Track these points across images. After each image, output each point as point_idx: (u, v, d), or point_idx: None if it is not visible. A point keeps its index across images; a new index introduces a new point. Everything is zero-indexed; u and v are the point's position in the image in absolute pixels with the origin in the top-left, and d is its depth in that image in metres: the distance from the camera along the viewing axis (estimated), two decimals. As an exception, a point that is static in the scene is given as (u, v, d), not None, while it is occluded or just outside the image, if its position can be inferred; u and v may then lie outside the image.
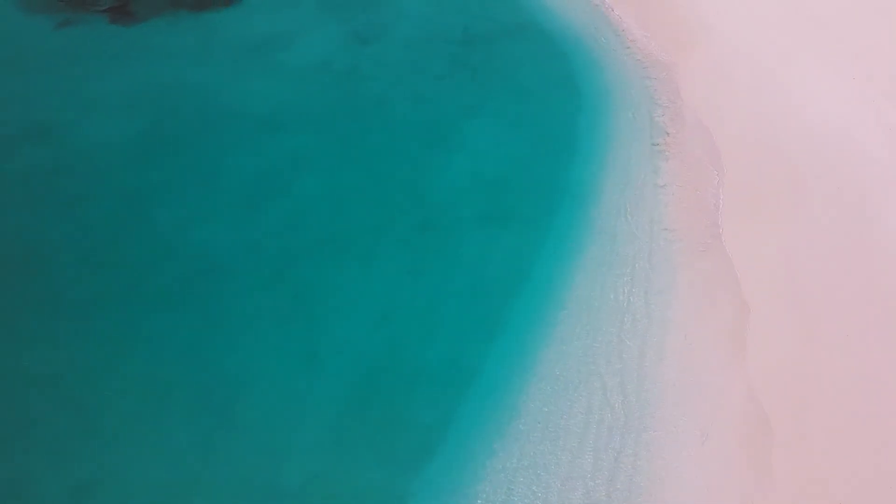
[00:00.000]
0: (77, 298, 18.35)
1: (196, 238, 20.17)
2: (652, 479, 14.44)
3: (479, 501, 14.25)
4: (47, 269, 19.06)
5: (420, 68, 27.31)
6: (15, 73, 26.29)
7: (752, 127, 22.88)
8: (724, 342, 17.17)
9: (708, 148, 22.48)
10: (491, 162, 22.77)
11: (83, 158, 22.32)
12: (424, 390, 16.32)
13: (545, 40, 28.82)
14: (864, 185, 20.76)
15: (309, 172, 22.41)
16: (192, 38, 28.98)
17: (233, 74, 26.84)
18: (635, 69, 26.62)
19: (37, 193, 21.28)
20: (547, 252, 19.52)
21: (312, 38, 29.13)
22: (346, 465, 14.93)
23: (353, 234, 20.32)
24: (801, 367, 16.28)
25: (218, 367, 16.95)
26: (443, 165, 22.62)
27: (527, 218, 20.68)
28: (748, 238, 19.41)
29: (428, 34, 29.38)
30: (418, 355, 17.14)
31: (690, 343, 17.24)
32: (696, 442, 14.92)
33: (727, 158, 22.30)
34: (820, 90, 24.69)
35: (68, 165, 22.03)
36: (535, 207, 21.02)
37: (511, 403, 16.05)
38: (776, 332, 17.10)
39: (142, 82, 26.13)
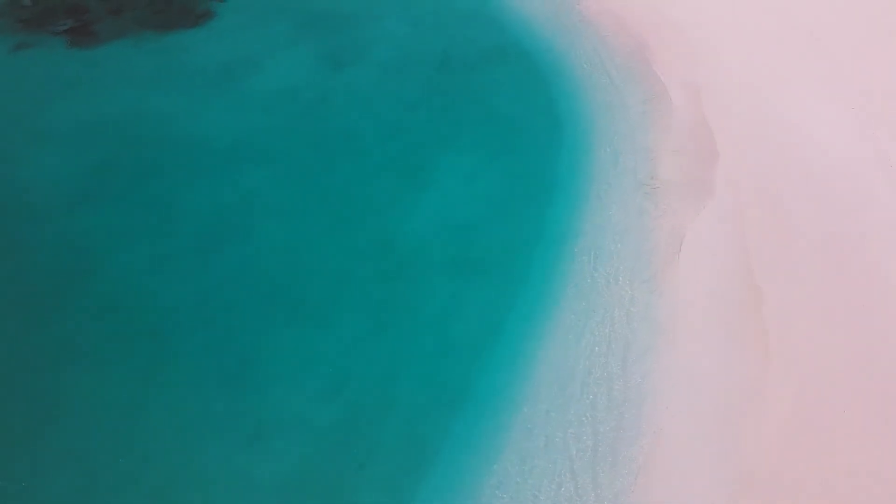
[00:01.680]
0: (5, 356, 16.87)
1: (141, 289, 18.67)
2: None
3: None
4: (-25, 325, 17.63)
5: (394, 96, 25.81)
6: (-38, 101, 24.88)
7: (745, 166, 21.28)
8: (710, 419, 15.64)
9: (698, 188, 20.90)
10: (463, 201, 21.25)
11: (23, 198, 20.82)
12: (377, 473, 14.80)
13: (527, 64, 27.31)
14: (863, 230, 19.20)
15: (267, 213, 20.91)
16: (156, 62, 27.49)
17: (195, 102, 25.32)
18: (621, 97, 25.05)
19: (-29, 238, 19.86)
20: (518, 308, 18.00)
21: (283, 61, 27.63)
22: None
23: (310, 286, 18.82)
24: (795, 437, 14.83)
25: (151, 444, 15.43)
26: (412, 206, 21.11)
27: (499, 267, 19.16)
28: (746, 297, 17.85)
29: (404, 57, 27.88)
30: (372, 432, 15.63)
31: (671, 415, 15.72)
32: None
33: (718, 198, 20.75)
34: (817, 122, 23.14)
35: (2, 205, 20.53)
36: (508, 255, 19.49)
37: (473, 487, 14.54)
38: (764, 404, 15.56)
39: (98, 111, 24.64)
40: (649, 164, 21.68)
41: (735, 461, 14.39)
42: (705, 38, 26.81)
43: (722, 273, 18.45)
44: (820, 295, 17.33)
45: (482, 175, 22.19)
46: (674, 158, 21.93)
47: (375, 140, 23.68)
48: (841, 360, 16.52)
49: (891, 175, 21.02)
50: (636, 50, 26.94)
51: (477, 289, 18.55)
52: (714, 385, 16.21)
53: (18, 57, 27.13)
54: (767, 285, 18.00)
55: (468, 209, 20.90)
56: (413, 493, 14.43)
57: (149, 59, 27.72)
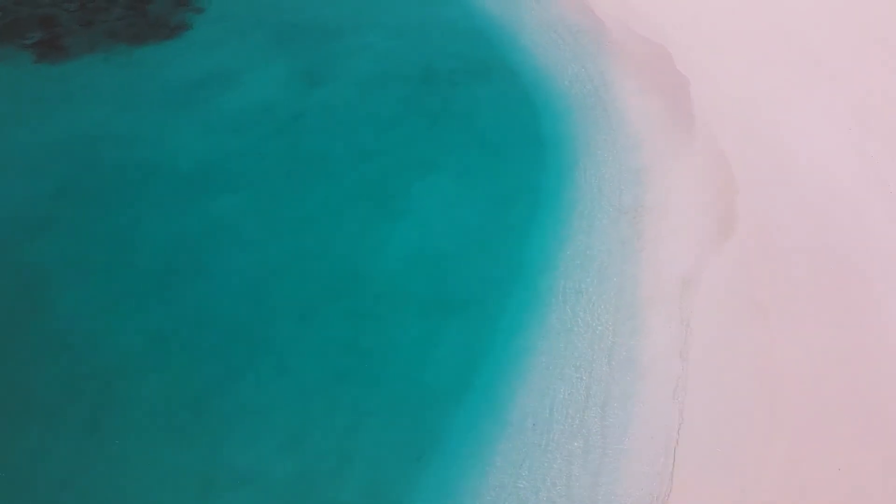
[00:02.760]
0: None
1: (93, 330, 17.58)
2: None
3: None
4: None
5: (372, 114, 24.66)
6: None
7: (738, 197, 20.09)
8: (701, 472, 14.48)
9: (684, 222, 19.72)
10: (439, 232, 20.10)
11: (-27, 230, 19.78)
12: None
13: (512, 80, 26.13)
14: (863, 267, 18.00)
15: (231, 245, 19.78)
16: (125, 78, 26.38)
17: (162, 122, 24.20)
18: (609, 117, 23.85)
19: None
20: (493, 352, 16.87)
21: (257, 77, 26.48)
22: None
23: (273, 325, 17.70)
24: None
25: (92, 498, 14.35)
26: (385, 236, 19.97)
27: (473, 305, 18.02)
28: (722, 338, 16.68)
29: (385, 73, 26.72)
30: (332, 488, 14.52)
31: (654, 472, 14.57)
32: None
33: (706, 228, 19.57)
34: (815, 143, 21.93)
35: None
36: (484, 292, 18.36)
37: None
38: (751, 450, 14.40)
39: (59, 132, 23.55)
40: (635, 191, 20.48)
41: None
42: (699, 60, 25.56)
43: (710, 311, 17.26)
44: (818, 343, 16.13)
45: (460, 202, 21.05)
46: (660, 182, 20.73)
47: (350, 163, 22.54)
48: (840, 405, 15.41)
49: (892, 203, 19.83)
50: (629, 70, 25.70)
51: (449, 329, 17.42)
52: (703, 436, 15.06)
53: (-19, 73, 26.05)
54: (757, 325, 16.85)
55: (444, 240, 19.76)
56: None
57: (118, 74, 26.61)
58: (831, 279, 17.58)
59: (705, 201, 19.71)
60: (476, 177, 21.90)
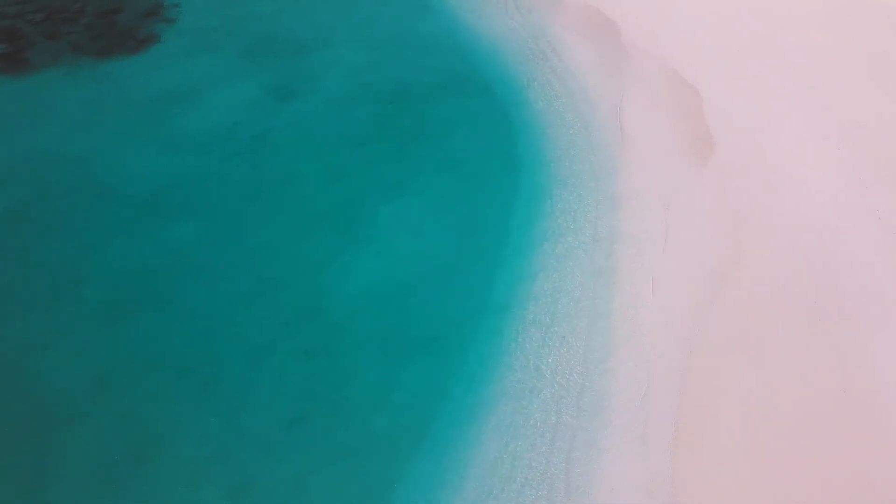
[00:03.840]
0: None
1: (32, 367, 16.58)
2: None
3: None
4: None
5: (341, 133, 23.66)
6: None
7: (722, 222, 19.07)
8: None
9: (662, 245, 18.71)
10: (404, 260, 19.10)
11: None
12: None
13: (488, 96, 25.11)
14: (850, 302, 16.97)
15: (186, 275, 18.80)
16: (87, 94, 25.41)
17: (122, 142, 23.22)
18: (588, 136, 22.83)
19: None
20: (454, 394, 15.87)
21: (225, 93, 25.48)
22: None
23: (224, 364, 16.72)
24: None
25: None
26: (347, 265, 18.97)
27: (436, 343, 17.02)
28: (707, 379, 15.67)
29: (356, 88, 25.72)
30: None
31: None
32: None
33: (683, 258, 18.56)
34: (803, 167, 20.89)
35: None
36: (448, 327, 17.36)
37: None
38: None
39: (13, 151, 22.62)
40: (611, 218, 19.45)
41: None
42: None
43: (685, 350, 16.25)
44: (801, 388, 15.11)
45: (428, 228, 20.04)
46: (638, 209, 19.72)
47: (315, 186, 21.55)
48: (825, 448, 14.44)
49: (879, 230, 18.79)
50: (611, 85, 24.69)
51: (410, 369, 16.42)
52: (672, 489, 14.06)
53: (-63, 89, 25.09)
54: (735, 365, 15.84)
55: (408, 271, 18.75)
56: None
57: (80, 90, 25.63)
58: (816, 317, 16.55)
59: (685, 233, 18.64)
60: (446, 200, 20.90)
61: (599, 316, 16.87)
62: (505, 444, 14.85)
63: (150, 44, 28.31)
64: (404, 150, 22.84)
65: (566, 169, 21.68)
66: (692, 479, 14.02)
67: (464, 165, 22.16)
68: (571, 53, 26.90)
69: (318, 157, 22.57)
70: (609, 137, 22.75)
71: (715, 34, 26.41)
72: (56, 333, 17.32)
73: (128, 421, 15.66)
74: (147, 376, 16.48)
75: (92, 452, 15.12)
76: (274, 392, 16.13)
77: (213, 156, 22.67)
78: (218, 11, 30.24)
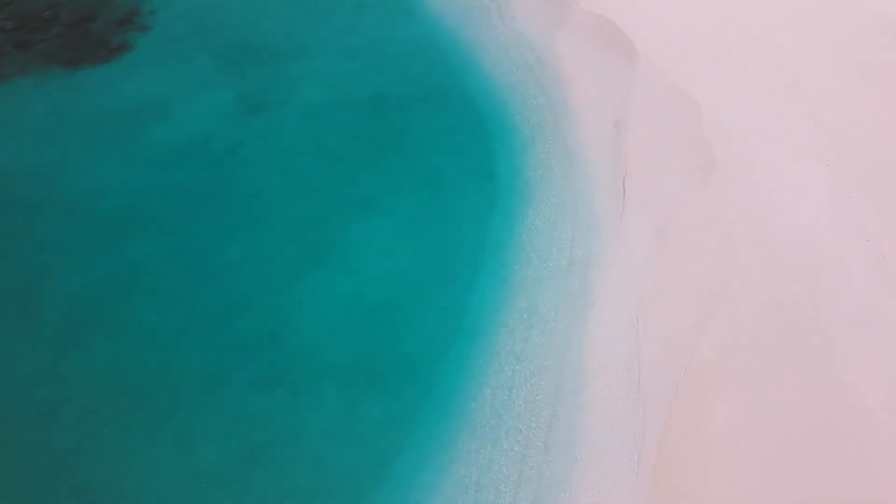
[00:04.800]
0: None
1: (-21, 397, 15.82)
2: None
3: None
4: None
5: (314, 146, 22.90)
6: None
7: (711, 245, 18.30)
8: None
9: (640, 266, 17.94)
10: (373, 283, 18.33)
11: None
12: None
13: (469, 108, 24.34)
14: (837, 330, 16.20)
15: (144, 297, 18.05)
16: (54, 105, 24.64)
17: (88, 155, 22.47)
18: (569, 152, 22.07)
19: None
20: (418, 428, 15.10)
21: (196, 103, 24.72)
22: None
23: (179, 394, 15.96)
24: None
25: None
26: (312, 288, 18.22)
27: (402, 372, 16.26)
28: (688, 410, 14.91)
29: (333, 99, 24.96)
30: None
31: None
32: None
33: (662, 280, 17.81)
34: (793, 186, 20.11)
35: None
36: (416, 355, 16.59)
37: None
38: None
39: (-26, 167, 21.80)
40: (591, 239, 18.68)
41: None
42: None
43: (665, 381, 15.49)
44: (779, 419, 14.35)
45: (400, 248, 19.27)
46: (621, 230, 18.96)
47: (285, 202, 20.79)
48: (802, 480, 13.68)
49: (867, 252, 18.03)
50: (593, 98, 23.93)
51: (373, 402, 15.65)
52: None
53: None
54: (718, 395, 15.08)
55: (377, 293, 17.99)
56: None
57: (48, 101, 24.87)
58: (801, 346, 15.79)
59: (671, 259, 17.87)
60: (420, 219, 20.13)
61: (574, 344, 16.08)
62: (471, 484, 14.07)
63: (122, 52, 27.56)
64: (379, 165, 22.08)
65: (545, 186, 20.90)
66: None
67: (440, 181, 21.40)
68: (556, 62, 26.13)
69: (289, 171, 21.81)
70: (594, 153, 21.97)
71: (708, 43, 25.63)
72: (4, 359, 16.56)
73: (78, 456, 14.90)
74: (100, 406, 15.71)
75: (38, 489, 14.35)
76: (231, 424, 15.38)
77: (180, 170, 21.92)
78: (193, 18, 29.50)
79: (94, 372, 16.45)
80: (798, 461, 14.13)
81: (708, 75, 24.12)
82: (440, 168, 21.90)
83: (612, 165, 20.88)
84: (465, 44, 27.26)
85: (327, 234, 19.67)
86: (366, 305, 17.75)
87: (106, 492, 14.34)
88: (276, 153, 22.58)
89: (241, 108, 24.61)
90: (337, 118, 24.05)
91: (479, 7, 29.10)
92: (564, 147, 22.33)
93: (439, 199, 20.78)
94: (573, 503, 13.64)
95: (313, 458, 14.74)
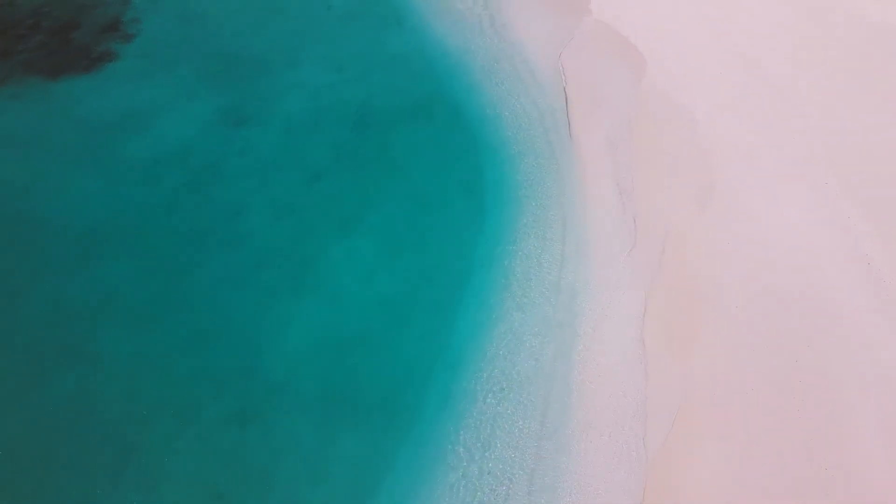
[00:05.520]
0: None
1: (-64, 433, 15.13)
2: None
3: None
4: None
5: (296, 162, 22.18)
6: None
7: (701, 269, 17.57)
8: None
9: (629, 294, 17.22)
10: (352, 311, 17.63)
11: None
12: None
13: (457, 122, 23.60)
14: (834, 367, 15.47)
15: (114, 323, 17.37)
16: (32, 117, 23.93)
17: (65, 170, 21.78)
18: (558, 169, 21.33)
19: None
20: (396, 470, 14.38)
21: (177, 116, 24.01)
22: None
23: (146, 430, 15.28)
24: None
25: None
26: (289, 315, 17.52)
27: (380, 409, 15.59)
28: (685, 449, 14.19)
29: (317, 112, 24.23)
30: None
31: None
32: None
33: (647, 306, 17.09)
34: (790, 206, 19.40)
35: None
36: (394, 390, 15.90)
37: None
38: None
39: (-56, 183, 21.11)
40: (579, 266, 17.95)
41: None
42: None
43: (653, 422, 14.77)
44: (773, 470, 13.62)
45: (381, 271, 18.57)
46: (605, 251, 18.23)
47: (265, 221, 20.08)
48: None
49: (867, 277, 17.29)
50: (586, 111, 23.19)
51: (348, 440, 14.97)
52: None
53: None
54: (706, 439, 14.36)
55: (356, 322, 17.29)
56: None
57: (26, 112, 24.16)
58: (795, 379, 15.07)
59: (657, 279, 17.14)
60: (403, 240, 19.42)
61: (559, 378, 15.36)
62: (447, 528, 13.38)
63: (104, 62, 26.82)
64: (362, 183, 21.36)
65: (534, 205, 20.19)
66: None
67: (425, 200, 20.69)
68: (548, 73, 25.39)
69: (270, 189, 21.10)
70: (586, 170, 21.24)
71: (707, 61, 24.86)
72: (-33, 392, 15.89)
73: (41, 495, 14.20)
74: (62, 444, 15.02)
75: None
76: (199, 462, 14.68)
77: (158, 187, 21.21)
78: (179, 27, 28.76)
79: (56, 405, 15.76)
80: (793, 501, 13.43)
81: (706, 92, 23.40)
82: (425, 185, 21.18)
83: (604, 184, 20.11)
84: (454, 54, 26.50)
85: (306, 257, 18.97)
86: (344, 334, 17.05)
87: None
88: (256, 169, 21.86)
89: (223, 121, 23.89)
90: (320, 133, 23.32)
91: (470, 16, 28.32)
92: (555, 163, 21.61)
93: (423, 219, 20.06)
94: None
95: (286, 500, 14.02)
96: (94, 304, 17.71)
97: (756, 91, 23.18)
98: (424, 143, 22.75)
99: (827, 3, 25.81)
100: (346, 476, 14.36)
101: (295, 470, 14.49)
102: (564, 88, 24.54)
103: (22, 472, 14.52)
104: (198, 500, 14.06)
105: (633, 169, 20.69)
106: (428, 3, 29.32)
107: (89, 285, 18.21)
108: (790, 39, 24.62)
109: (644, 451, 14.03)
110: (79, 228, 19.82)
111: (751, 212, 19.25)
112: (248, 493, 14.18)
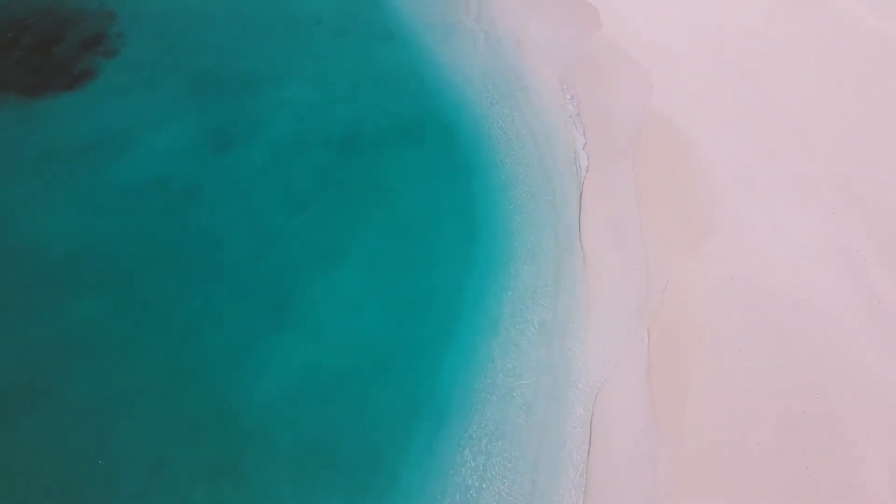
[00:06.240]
0: None
1: None
2: None
3: None
4: None
5: (282, 189, 21.36)
6: None
7: (701, 306, 16.75)
8: None
9: (621, 330, 16.41)
10: (335, 349, 16.83)
11: None
12: None
13: (448, 144, 22.79)
14: (843, 414, 14.66)
15: (84, 364, 16.57)
16: (8, 139, 23.09)
17: (41, 196, 20.97)
18: (552, 193, 20.53)
19: None
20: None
21: (158, 138, 23.19)
22: None
23: (117, 480, 14.45)
24: None
25: None
26: (269, 354, 16.71)
27: (360, 460, 14.74)
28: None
29: (303, 133, 23.41)
30: None
31: None
32: None
33: (657, 345, 16.28)
34: (795, 240, 18.56)
35: None
36: (376, 440, 15.05)
37: None
38: None
39: (-87, 211, 20.28)
40: (570, 304, 17.12)
41: None
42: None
43: (640, 463, 13.95)
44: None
45: (366, 307, 17.76)
46: (603, 288, 17.41)
47: (246, 252, 19.27)
48: None
49: (876, 315, 16.47)
50: (582, 133, 22.37)
51: (329, 494, 14.11)
52: None
53: None
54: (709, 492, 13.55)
55: (338, 364, 16.48)
56: None
57: (2, 134, 23.30)
58: (803, 431, 14.25)
59: (655, 320, 16.31)
60: (390, 272, 18.61)
61: (551, 429, 14.55)
62: None
63: (85, 80, 25.98)
64: (349, 210, 20.55)
65: (528, 235, 19.37)
66: None
67: (413, 229, 19.88)
68: (542, 92, 24.58)
69: (252, 218, 20.29)
70: (584, 199, 20.42)
71: (709, 84, 24.02)
72: (-74, 441, 15.07)
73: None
74: (31, 490, 14.21)
75: None
76: (168, 520, 13.86)
77: (136, 215, 20.40)
78: (163, 42, 27.92)
79: (18, 454, 14.93)
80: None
81: (708, 115, 22.59)
82: (413, 214, 20.37)
83: (600, 211, 19.30)
84: (446, 72, 25.67)
85: (288, 291, 18.16)
86: (325, 377, 16.24)
87: None
88: (238, 196, 21.04)
89: (206, 143, 23.06)
90: (306, 156, 22.50)
91: (463, 31, 27.49)
92: (550, 189, 20.79)
93: (411, 251, 19.25)
94: None
95: (257, 563, 13.23)
96: (63, 344, 16.90)
97: (758, 113, 22.35)
98: (413, 167, 21.93)
99: (834, 23, 24.99)
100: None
101: (270, 529, 13.66)
102: (562, 109, 23.71)
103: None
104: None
105: (632, 198, 19.86)
106: (420, 16, 28.48)
107: (59, 323, 17.39)
108: (801, 66, 23.77)
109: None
110: (51, 261, 18.99)
111: (752, 245, 18.44)
112: (220, 554, 13.34)
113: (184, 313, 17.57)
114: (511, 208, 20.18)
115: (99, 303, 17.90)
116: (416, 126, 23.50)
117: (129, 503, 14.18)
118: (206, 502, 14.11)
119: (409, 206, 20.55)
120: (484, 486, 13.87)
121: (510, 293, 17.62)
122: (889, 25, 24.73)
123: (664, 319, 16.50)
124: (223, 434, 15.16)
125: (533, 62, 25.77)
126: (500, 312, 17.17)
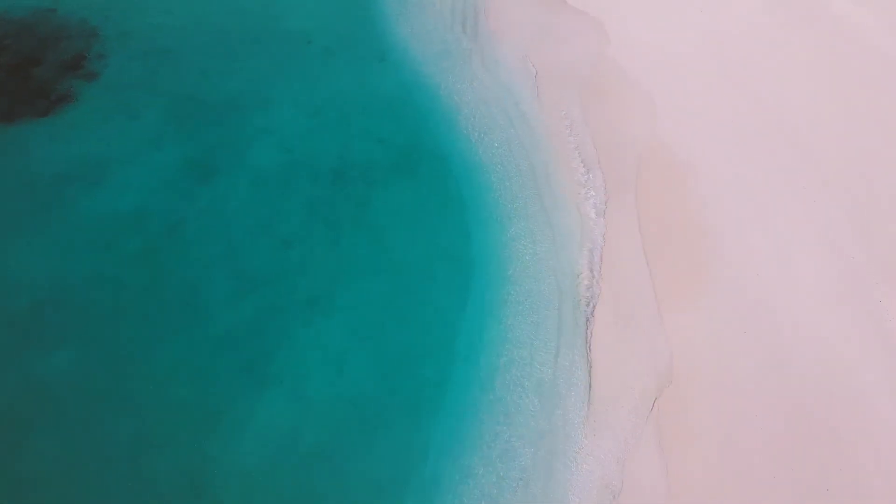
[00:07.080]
0: None
1: None
2: None
3: None
4: None
5: (265, 227, 20.14)
6: None
7: (708, 355, 15.50)
8: None
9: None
10: (318, 410, 15.59)
11: None
12: None
13: (442, 176, 21.58)
14: (858, 472, 13.40)
15: (43, 428, 15.35)
16: (-23, 171, 21.86)
17: (9, 235, 19.73)
18: (553, 231, 19.28)
19: None
20: None
21: (137, 169, 21.98)
22: None
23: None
24: None
25: None
26: (246, 416, 15.49)
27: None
28: None
29: (291, 164, 22.19)
30: None
31: None
32: None
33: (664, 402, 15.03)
34: (801, 282, 17.32)
35: None
36: (360, 516, 13.80)
37: None
38: None
39: None
40: (574, 351, 15.87)
41: None
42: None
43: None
44: None
45: (352, 361, 16.54)
46: (606, 344, 16.16)
47: (225, 299, 18.05)
48: None
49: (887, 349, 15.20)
50: (582, 163, 21.14)
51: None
52: None
53: None
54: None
55: (321, 428, 15.26)
56: None
57: (-29, 165, 22.11)
58: (820, 484, 12.99)
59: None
60: (377, 321, 17.38)
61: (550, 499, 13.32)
62: None
63: (63, 104, 24.76)
64: (336, 250, 19.33)
65: (526, 278, 18.12)
66: None
67: (404, 271, 18.67)
68: (541, 117, 23.33)
69: (233, 259, 19.07)
70: (585, 235, 19.18)
71: (718, 115, 22.75)
72: None
73: None
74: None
75: None
76: None
77: (109, 256, 19.20)
78: (146, 64, 26.67)
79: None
80: None
81: (712, 145, 21.34)
82: (405, 253, 19.15)
83: (599, 247, 18.04)
84: (440, 96, 24.43)
85: (269, 344, 16.93)
86: (307, 442, 15.02)
87: None
88: (219, 235, 19.82)
89: (187, 175, 21.84)
90: (292, 190, 21.27)
91: (457, 51, 26.23)
92: (548, 225, 19.56)
93: (402, 296, 18.01)
94: None
95: None
96: (23, 405, 15.66)
97: (767, 142, 21.09)
98: (405, 203, 20.70)
99: (846, 45, 23.71)
100: None
101: None
102: (553, 133, 22.49)
103: None
104: None
105: (628, 234, 18.66)
106: (414, 35, 27.24)
107: (22, 381, 16.19)
108: (807, 90, 22.51)
109: None
110: (16, 309, 17.81)
111: (759, 289, 17.17)
112: None
113: (155, 370, 16.36)
114: (508, 250, 18.92)
115: (64, 357, 16.72)
116: (410, 157, 22.27)
117: (88, 590, 12.89)
118: (172, 590, 12.84)
119: (401, 246, 19.33)
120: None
121: (508, 347, 16.40)
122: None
123: (674, 384, 15.26)
124: (193, 509, 13.91)
125: (532, 87, 24.51)
126: (497, 369, 15.94)
